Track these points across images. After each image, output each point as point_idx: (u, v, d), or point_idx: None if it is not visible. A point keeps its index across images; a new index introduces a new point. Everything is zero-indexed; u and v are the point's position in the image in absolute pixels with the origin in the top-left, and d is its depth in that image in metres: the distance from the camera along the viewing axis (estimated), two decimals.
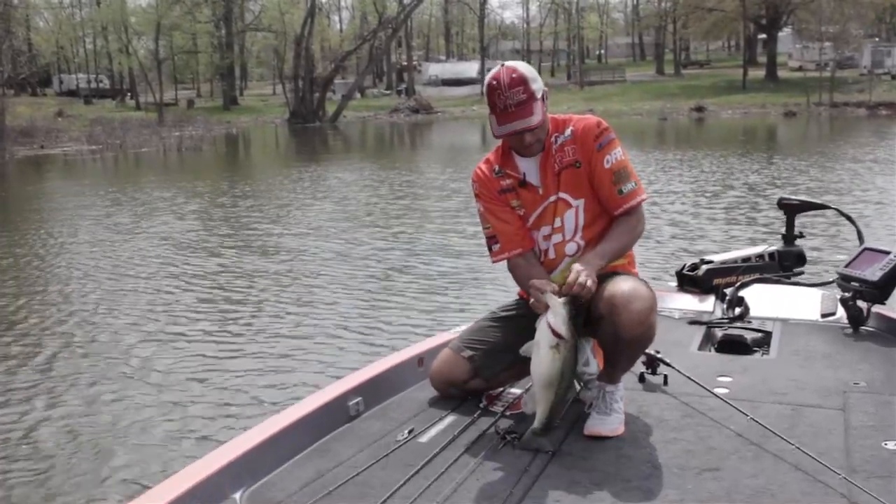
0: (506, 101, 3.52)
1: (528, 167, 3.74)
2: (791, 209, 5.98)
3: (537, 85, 3.57)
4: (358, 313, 9.10)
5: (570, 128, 3.69)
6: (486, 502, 2.95)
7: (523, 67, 3.59)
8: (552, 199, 3.71)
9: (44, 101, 72.52)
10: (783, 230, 5.97)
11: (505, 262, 3.83)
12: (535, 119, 3.54)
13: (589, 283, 3.36)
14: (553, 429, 3.40)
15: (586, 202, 3.69)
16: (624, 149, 3.70)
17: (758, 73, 67.96)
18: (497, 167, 3.80)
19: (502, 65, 3.62)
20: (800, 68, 67.17)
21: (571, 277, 3.36)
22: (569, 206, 3.70)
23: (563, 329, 3.30)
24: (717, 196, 17.30)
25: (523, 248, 3.78)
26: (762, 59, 74.02)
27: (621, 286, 3.46)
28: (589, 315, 3.54)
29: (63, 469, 5.63)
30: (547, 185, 3.71)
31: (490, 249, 3.85)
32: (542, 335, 3.32)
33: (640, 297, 3.45)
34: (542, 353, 3.31)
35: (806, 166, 21.69)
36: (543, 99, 3.61)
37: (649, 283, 3.63)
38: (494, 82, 3.55)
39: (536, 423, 3.36)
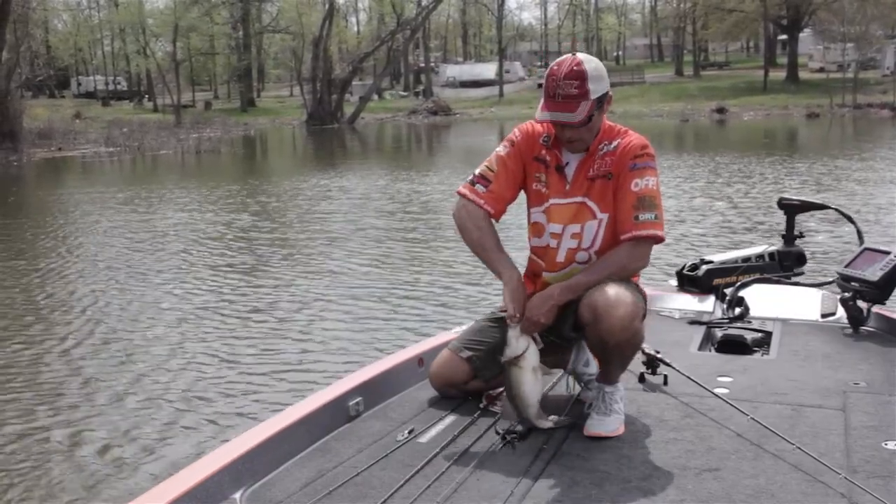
0: (556, 89, 3.49)
1: (570, 160, 3.71)
2: (791, 209, 5.97)
3: (597, 86, 3.51)
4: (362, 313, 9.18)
5: (618, 141, 3.64)
6: (485, 502, 2.95)
7: (590, 65, 3.53)
8: (577, 199, 3.67)
9: (62, 102, 73.12)
10: (783, 230, 5.96)
11: (469, 207, 3.77)
12: (577, 118, 3.50)
13: (542, 321, 3.56)
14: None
15: (611, 218, 3.64)
16: (658, 181, 3.61)
17: (778, 75, 67.67)
18: (547, 136, 3.75)
19: (574, 53, 3.57)
20: (821, 69, 66.86)
21: (529, 314, 3.55)
22: (594, 216, 3.66)
23: None
24: (727, 198, 17.25)
25: (495, 213, 3.77)
26: (781, 60, 73.74)
27: (604, 292, 3.42)
28: (577, 319, 3.56)
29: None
30: (576, 185, 3.68)
31: (472, 182, 3.80)
32: (537, 359, 3.54)
33: (623, 303, 3.40)
34: (535, 374, 3.52)
35: (826, 169, 21.56)
36: (601, 102, 3.55)
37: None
38: (555, 67, 3.53)
39: (540, 421, 3.51)
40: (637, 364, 3.88)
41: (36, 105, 59.51)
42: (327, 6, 65.60)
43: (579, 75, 3.48)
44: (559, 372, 3.98)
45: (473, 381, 3.84)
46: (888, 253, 4.81)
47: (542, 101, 3.57)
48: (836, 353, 4.51)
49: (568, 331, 3.65)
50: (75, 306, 10.18)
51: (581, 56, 3.56)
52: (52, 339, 8.76)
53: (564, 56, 3.59)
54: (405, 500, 2.94)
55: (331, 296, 10.05)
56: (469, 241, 3.78)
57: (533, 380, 3.50)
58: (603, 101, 3.57)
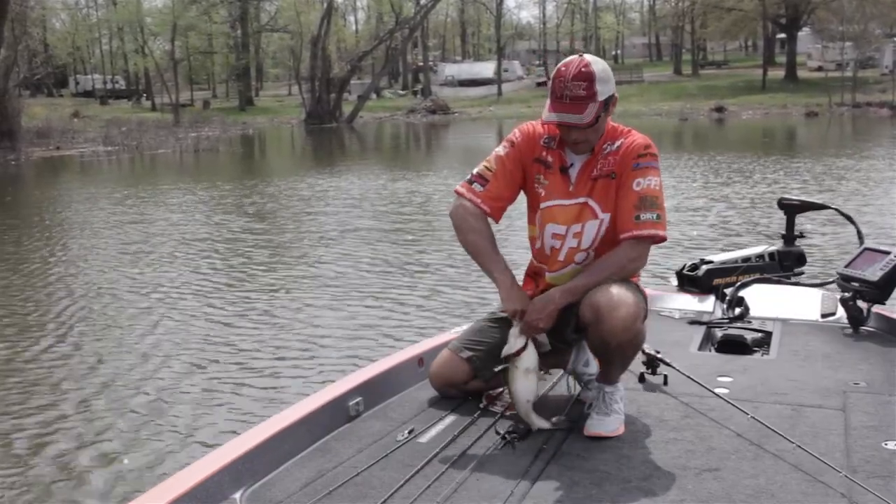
0: (563, 90, 3.47)
1: (575, 161, 3.69)
2: (791, 209, 5.97)
3: (604, 87, 3.49)
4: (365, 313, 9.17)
5: (622, 140, 3.62)
6: (485, 502, 2.95)
7: (598, 66, 3.51)
8: (580, 200, 3.66)
9: (60, 101, 72.99)
10: (783, 230, 5.96)
11: (466, 205, 3.73)
12: (585, 119, 3.48)
13: (542, 326, 3.54)
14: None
15: (611, 219, 3.62)
16: (661, 181, 3.59)
17: (776, 74, 67.69)
18: (549, 137, 3.73)
19: (581, 55, 3.56)
20: (819, 68, 66.90)
21: (529, 318, 3.53)
22: (595, 216, 3.64)
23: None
24: (725, 198, 17.24)
25: (492, 212, 3.74)
26: (780, 59, 73.75)
27: (606, 293, 3.42)
28: (578, 321, 3.55)
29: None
30: (579, 186, 3.66)
31: (470, 181, 3.77)
32: (533, 362, 3.53)
33: (625, 303, 3.40)
34: (527, 375, 3.52)
35: (826, 169, 21.52)
36: (607, 104, 3.53)
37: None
38: (563, 68, 3.50)
39: (542, 422, 3.53)
40: (637, 364, 3.87)
41: (34, 104, 59.51)
42: (326, 5, 65.55)
43: (587, 77, 3.47)
44: (558, 372, 3.98)
45: (473, 381, 3.83)
46: (888, 253, 4.81)
47: (548, 102, 3.55)
48: (836, 353, 4.51)
49: (570, 333, 3.65)
50: (63, 306, 10.15)
51: (588, 57, 3.54)
52: (27, 340, 8.74)
53: (571, 57, 3.57)
54: (405, 500, 2.94)
55: (328, 297, 10.05)
56: (464, 240, 3.76)
57: (525, 381, 3.50)
58: (609, 102, 3.55)
